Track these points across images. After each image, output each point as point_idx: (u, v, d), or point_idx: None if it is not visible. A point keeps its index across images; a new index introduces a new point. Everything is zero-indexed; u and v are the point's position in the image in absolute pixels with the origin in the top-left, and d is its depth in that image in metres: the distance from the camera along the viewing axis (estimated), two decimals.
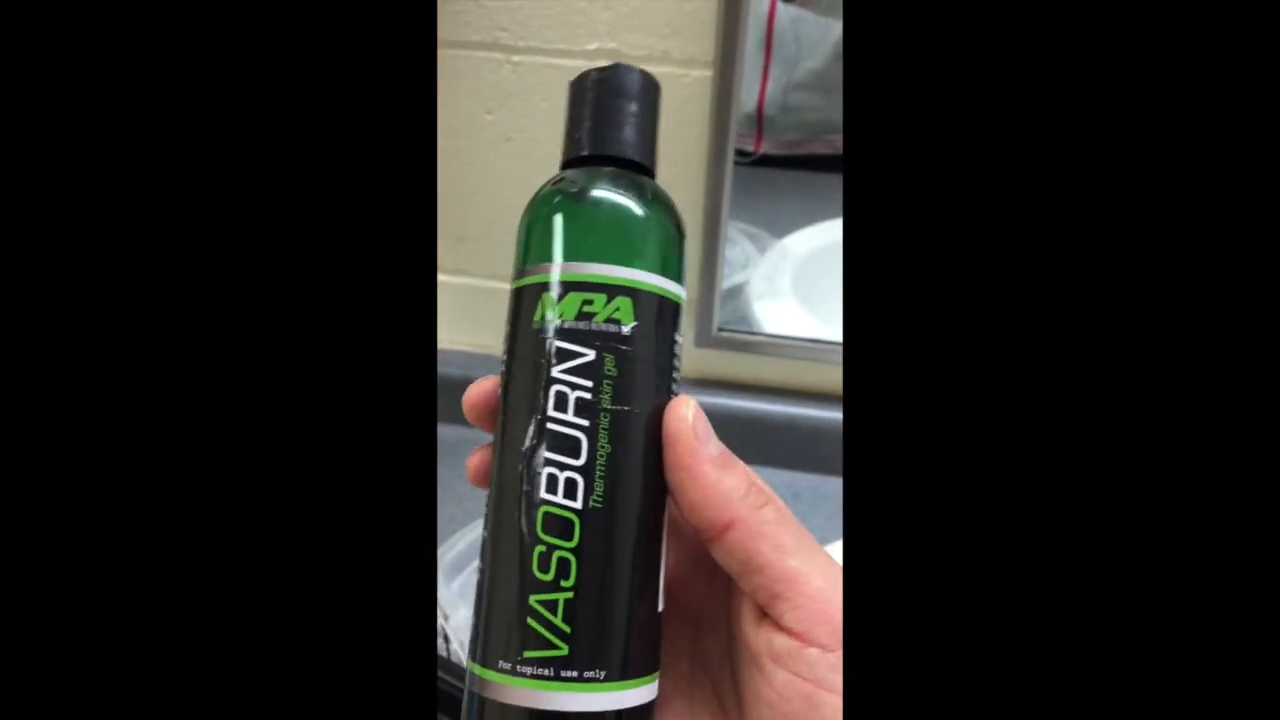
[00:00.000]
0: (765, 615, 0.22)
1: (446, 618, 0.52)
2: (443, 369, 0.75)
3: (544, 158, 0.67)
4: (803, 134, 0.78)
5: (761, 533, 0.22)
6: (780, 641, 0.22)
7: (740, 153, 0.64)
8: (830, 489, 0.69)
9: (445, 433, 0.76)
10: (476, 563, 0.59)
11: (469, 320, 0.76)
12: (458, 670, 0.51)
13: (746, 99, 0.73)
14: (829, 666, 0.21)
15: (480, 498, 0.81)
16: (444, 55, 0.65)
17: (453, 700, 0.51)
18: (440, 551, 0.56)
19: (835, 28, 0.75)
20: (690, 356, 0.72)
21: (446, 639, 0.53)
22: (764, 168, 0.78)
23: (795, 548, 0.22)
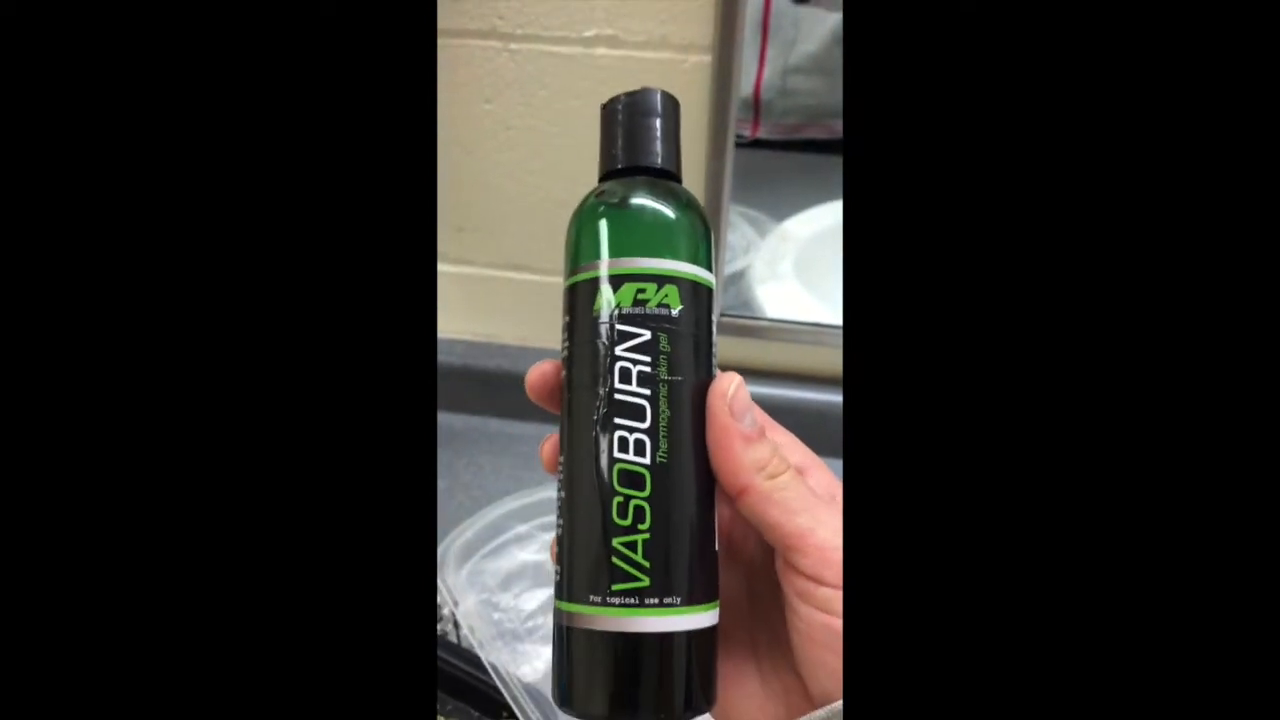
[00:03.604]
0: (787, 562, 0.26)
1: (456, 604, 0.52)
2: (445, 358, 0.76)
3: (544, 146, 0.67)
4: (800, 118, 0.78)
5: (770, 498, 0.26)
6: (800, 583, 0.25)
7: (735, 136, 0.64)
8: (837, 470, 0.70)
9: (452, 421, 0.77)
10: (484, 550, 0.60)
11: (470, 309, 0.76)
12: (468, 655, 0.52)
13: (743, 83, 0.72)
14: (840, 600, 0.25)
15: (482, 489, 0.80)
16: (441, 44, 0.64)
17: (463, 685, 0.51)
18: (449, 540, 0.56)
19: (835, 12, 0.75)
20: None
21: (456, 625, 0.54)
22: (762, 150, 0.77)
23: (802, 508, 0.26)
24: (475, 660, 0.51)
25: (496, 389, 0.75)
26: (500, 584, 0.57)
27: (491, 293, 0.75)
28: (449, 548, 0.55)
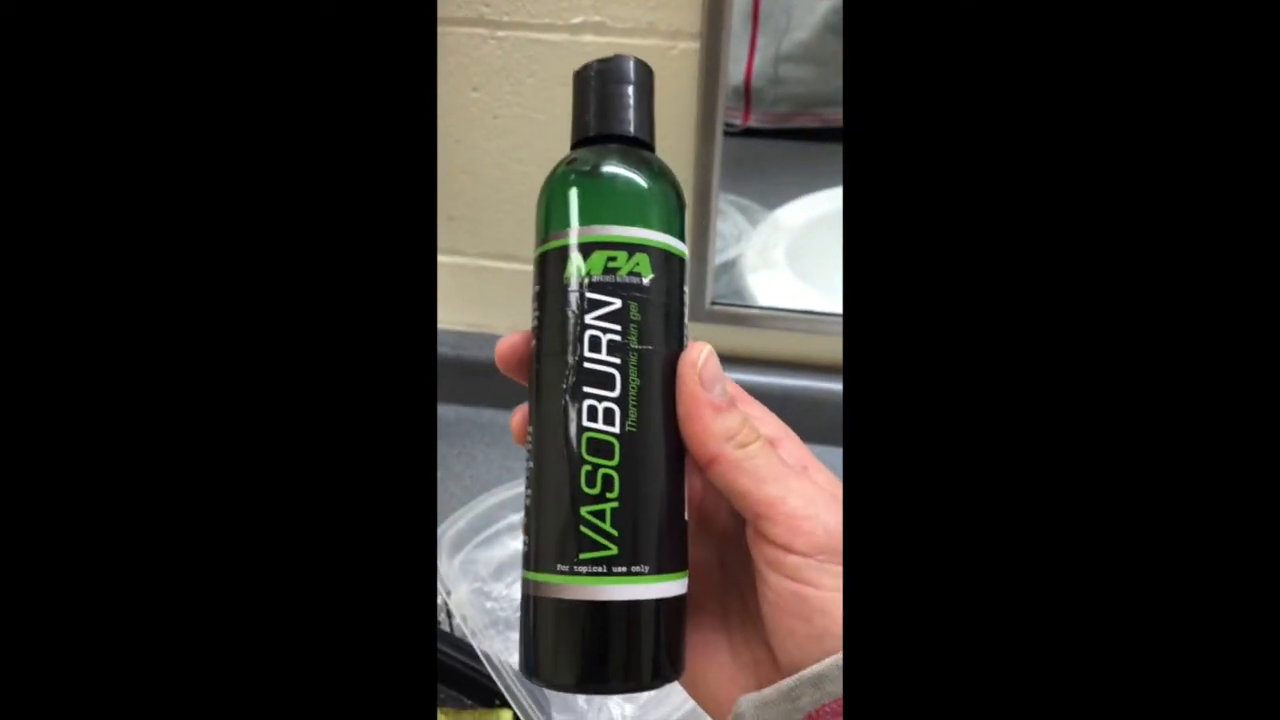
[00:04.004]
0: (757, 531, 0.26)
1: (449, 593, 0.52)
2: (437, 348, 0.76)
3: (533, 134, 0.67)
4: (791, 107, 0.77)
5: (740, 467, 0.26)
6: (769, 551, 0.25)
7: (726, 124, 0.64)
8: (828, 459, 0.70)
9: (444, 411, 0.77)
10: (476, 539, 0.59)
11: (461, 299, 0.76)
12: (461, 645, 0.52)
13: (733, 71, 0.72)
14: (809, 568, 0.25)
15: (474, 479, 0.80)
16: None
17: (457, 674, 0.51)
18: (442, 529, 0.56)
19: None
20: None
21: (449, 614, 0.54)
22: (753, 139, 0.77)
23: (772, 477, 0.26)
24: (468, 649, 0.51)
25: (488, 379, 0.74)
26: (493, 573, 0.57)
27: (483, 283, 0.75)
28: (441, 537, 0.55)
